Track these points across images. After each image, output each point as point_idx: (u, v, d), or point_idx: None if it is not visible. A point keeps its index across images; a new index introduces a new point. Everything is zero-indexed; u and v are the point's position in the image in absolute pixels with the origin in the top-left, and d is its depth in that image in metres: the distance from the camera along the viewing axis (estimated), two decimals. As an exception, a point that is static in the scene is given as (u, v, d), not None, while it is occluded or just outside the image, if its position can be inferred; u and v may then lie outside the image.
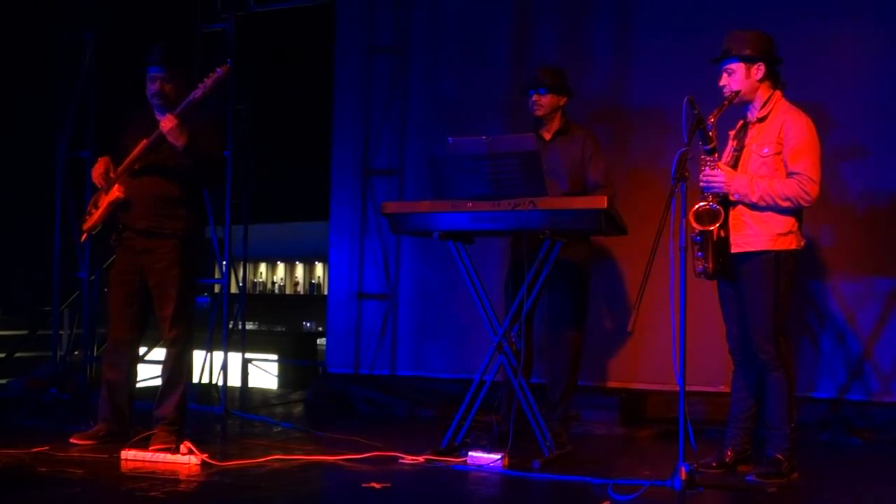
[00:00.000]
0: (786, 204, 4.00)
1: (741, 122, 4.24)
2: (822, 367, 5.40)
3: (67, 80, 6.97)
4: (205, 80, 4.45)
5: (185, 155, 4.48)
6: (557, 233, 4.33)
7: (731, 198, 4.06)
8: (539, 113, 4.96)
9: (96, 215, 4.64)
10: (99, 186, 4.64)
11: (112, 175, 4.61)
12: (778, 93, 4.15)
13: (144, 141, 4.56)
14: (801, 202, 4.01)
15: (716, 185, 4.03)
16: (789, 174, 4.02)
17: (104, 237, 4.79)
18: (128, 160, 4.58)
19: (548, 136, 5.00)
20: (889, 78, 5.38)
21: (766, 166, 4.07)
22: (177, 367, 4.63)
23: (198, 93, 4.45)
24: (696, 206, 3.97)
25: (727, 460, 4.21)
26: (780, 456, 4.05)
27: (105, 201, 4.62)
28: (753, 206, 4.04)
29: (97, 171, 4.63)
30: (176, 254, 4.60)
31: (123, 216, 4.65)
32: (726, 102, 4.06)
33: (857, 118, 5.41)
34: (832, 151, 5.33)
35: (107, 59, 6.95)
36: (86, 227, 4.70)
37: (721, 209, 3.99)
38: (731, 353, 4.30)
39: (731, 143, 4.22)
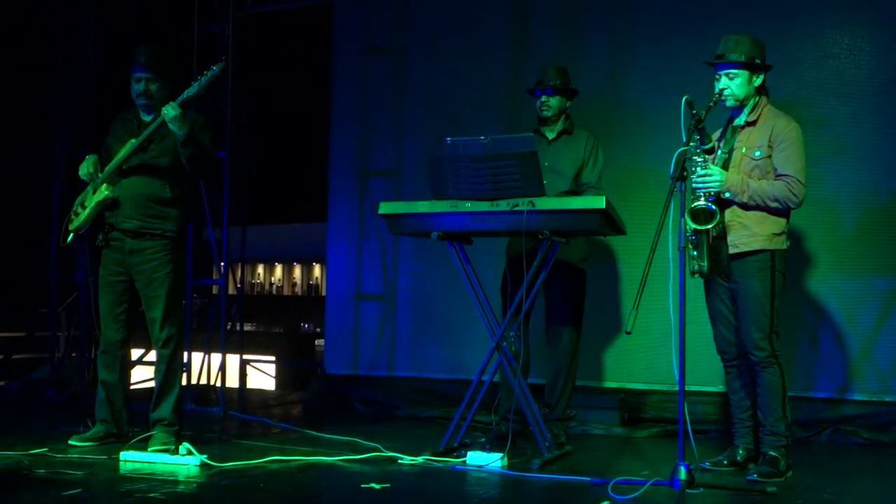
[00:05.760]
0: (774, 205, 4.09)
1: (727, 125, 4.28)
2: (820, 367, 5.39)
3: (65, 82, 6.95)
4: (199, 77, 4.45)
5: (185, 144, 4.46)
6: (556, 233, 4.33)
7: (723, 196, 4.09)
8: (547, 114, 4.98)
9: (83, 215, 4.62)
10: (88, 182, 4.62)
11: (100, 174, 4.60)
12: (765, 98, 4.22)
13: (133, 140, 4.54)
14: (790, 203, 4.10)
15: (711, 184, 4.05)
16: (778, 176, 4.10)
17: (93, 238, 4.74)
18: (116, 158, 4.57)
19: (552, 136, 5.01)
20: (882, 75, 5.38)
21: (759, 169, 4.14)
22: (171, 369, 4.61)
23: (194, 89, 4.45)
24: (693, 206, 3.97)
25: (738, 458, 4.26)
26: (776, 454, 4.08)
27: (93, 201, 4.60)
28: (745, 207, 4.10)
29: (85, 169, 4.62)
30: (165, 254, 4.58)
31: (111, 216, 4.62)
32: (713, 104, 4.06)
33: (854, 117, 5.41)
34: (830, 151, 5.34)
35: (105, 60, 6.94)
36: (72, 227, 4.67)
37: (717, 209, 4.01)
38: (721, 354, 4.33)
39: (718, 146, 4.24)
